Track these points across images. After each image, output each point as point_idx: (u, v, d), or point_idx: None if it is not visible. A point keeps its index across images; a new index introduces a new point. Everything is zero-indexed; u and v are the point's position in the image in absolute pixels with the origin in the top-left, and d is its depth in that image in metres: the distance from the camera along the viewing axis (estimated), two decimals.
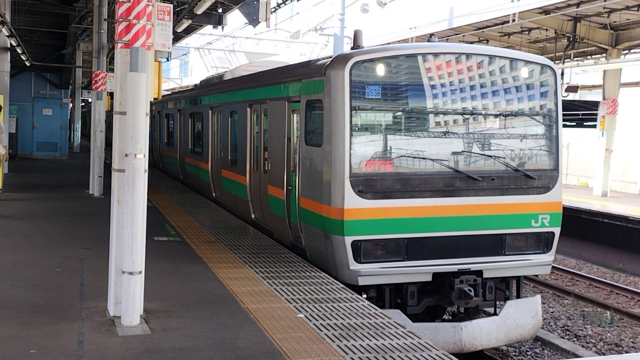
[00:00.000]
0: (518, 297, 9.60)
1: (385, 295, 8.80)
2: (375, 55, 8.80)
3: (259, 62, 17.49)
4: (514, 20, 19.45)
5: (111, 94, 18.00)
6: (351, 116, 8.52)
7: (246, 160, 12.57)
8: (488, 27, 22.10)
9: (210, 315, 6.94)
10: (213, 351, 5.93)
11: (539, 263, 9.42)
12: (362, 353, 5.97)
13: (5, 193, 16.23)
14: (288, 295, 7.73)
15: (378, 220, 8.57)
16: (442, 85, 9.02)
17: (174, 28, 18.14)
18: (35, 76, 30.63)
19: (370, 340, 6.30)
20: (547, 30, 22.18)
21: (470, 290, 8.70)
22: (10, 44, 21.46)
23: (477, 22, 21.86)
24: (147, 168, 6.61)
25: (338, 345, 6.12)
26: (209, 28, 23.39)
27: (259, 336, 6.34)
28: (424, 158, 8.83)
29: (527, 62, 9.43)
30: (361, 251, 8.53)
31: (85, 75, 36.86)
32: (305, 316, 6.98)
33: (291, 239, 10.33)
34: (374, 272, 8.57)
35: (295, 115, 10.13)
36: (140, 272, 6.59)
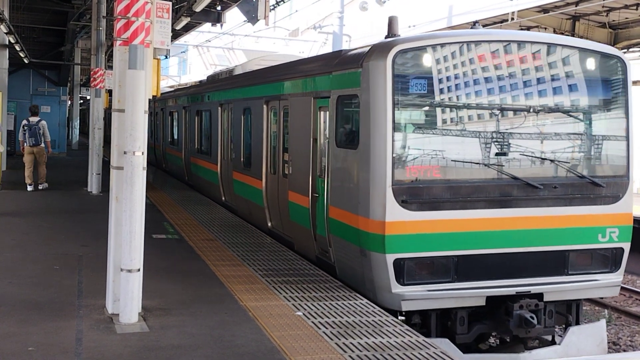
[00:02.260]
0: (577, 322, 8.47)
1: (431, 322, 7.71)
2: (422, 43, 7.70)
3: (272, 56, 16.40)
4: (512, 19, 19.46)
5: (110, 92, 18.00)
6: (394, 114, 7.43)
7: (262, 163, 11.48)
8: (487, 25, 22.09)
9: (209, 313, 6.94)
10: (211, 349, 5.93)
11: (606, 284, 8.25)
12: (360, 351, 5.97)
13: (3, 190, 16.24)
14: (286, 293, 7.73)
15: (424, 235, 7.49)
16: (499, 79, 7.92)
17: (172, 25, 18.10)
18: (33, 73, 30.62)
19: (368, 338, 6.30)
20: (545, 28, 22.17)
21: (532, 318, 7.57)
22: (9, 41, 21.43)
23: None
24: (145, 165, 6.61)
25: (336, 343, 6.13)
26: (207, 26, 23.34)
27: (257, 334, 6.34)
28: (477, 163, 7.75)
29: (596, 52, 8.28)
30: (405, 271, 7.46)
31: (84, 72, 36.84)
32: (304, 314, 6.98)
33: (317, 253, 9.27)
34: (419, 296, 7.48)
35: (322, 112, 9.01)
36: (139, 270, 6.59)
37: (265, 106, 11.48)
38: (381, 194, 7.42)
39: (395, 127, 7.46)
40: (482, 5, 21.00)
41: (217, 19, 20.89)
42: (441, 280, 7.59)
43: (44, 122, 16.78)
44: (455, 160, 7.70)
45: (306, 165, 9.41)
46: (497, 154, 7.86)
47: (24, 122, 16.72)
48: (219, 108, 14.92)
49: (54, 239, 10.69)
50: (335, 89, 8.52)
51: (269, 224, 11.42)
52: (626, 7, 19.01)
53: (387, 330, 6.56)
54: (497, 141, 7.88)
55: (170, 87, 36.66)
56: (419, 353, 5.97)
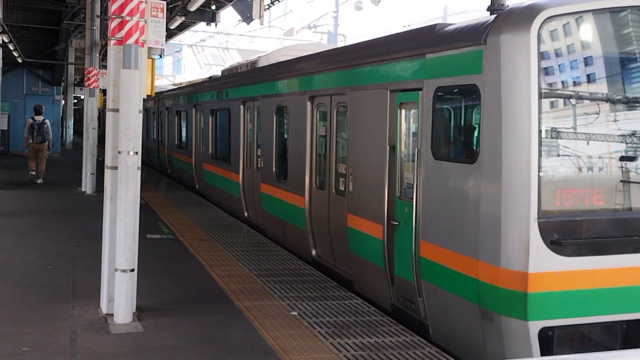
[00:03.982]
0: None
1: None
2: (580, 6, 5.35)
3: (304, 46, 14.02)
4: None
5: (104, 91, 18.01)
6: (540, 112, 5.18)
7: (305, 175, 9.43)
8: None
9: (204, 313, 6.93)
10: (206, 349, 5.92)
11: None
12: (355, 351, 5.97)
13: None
14: (281, 293, 7.73)
15: (581, 293, 5.28)
16: None
17: (167, 25, 18.10)
18: (27, 73, 30.51)
19: (363, 338, 6.30)
20: None
21: None
22: (2, 40, 21.35)
23: None
24: (140, 165, 6.60)
25: (331, 343, 6.13)
26: (202, 25, 23.33)
27: (253, 334, 6.33)
28: None
29: None
30: (554, 345, 5.25)
31: (78, 72, 36.72)
32: (299, 314, 6.97)
33: (393, 301, 7.24)
34: None
35: (405, 111, 6.93)
36: (133, 270, 6.58)
37: (309, 103, 9.33)
38: (522, 231, 5.17)
39: (542, 133, 5.23)
40: (476, 5, 21.04)
41: (211, 19, 20.87)
42: None
43: (48, 121, 18.71)
44: (625, 181, 5.46)
45: (378, 181, 7.30)
46: None
47: (30, 121, 18.29)
48: (241, 106, 12.98)
49: (48, 239, 10.65)
50: (432, 78, 6.31)
51: (314, 252, 9.41)
52: None
53: (382, 330, 6.56)
54: None
55: (174, 84, 36.41)
56: (414, 352, 5.97)
